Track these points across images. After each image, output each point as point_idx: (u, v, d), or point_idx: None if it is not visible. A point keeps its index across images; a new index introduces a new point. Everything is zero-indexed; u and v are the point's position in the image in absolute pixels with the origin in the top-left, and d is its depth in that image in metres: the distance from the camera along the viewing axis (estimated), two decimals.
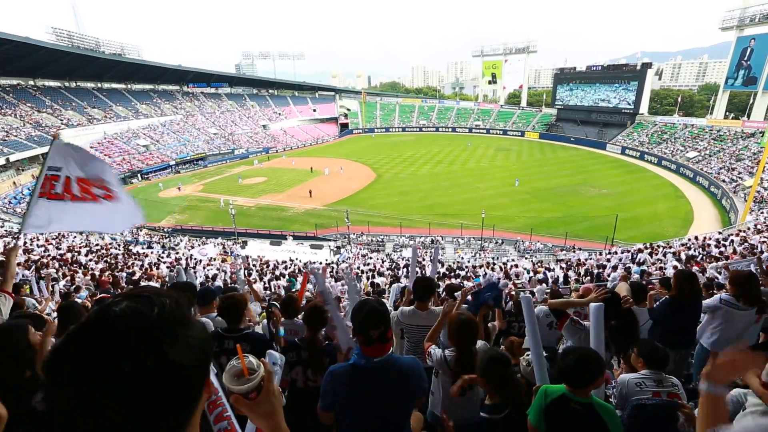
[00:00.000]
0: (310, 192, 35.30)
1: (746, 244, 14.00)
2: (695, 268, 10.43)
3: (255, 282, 12.33)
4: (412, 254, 5.68)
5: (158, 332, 0.61)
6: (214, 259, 19.33)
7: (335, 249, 25.06)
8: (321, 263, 19.01)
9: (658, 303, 4.15)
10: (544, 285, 10.81)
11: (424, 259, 18.19)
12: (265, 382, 1.02)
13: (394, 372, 1.94)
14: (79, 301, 6.53)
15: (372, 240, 26.67)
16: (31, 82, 48.69)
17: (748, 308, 3.57)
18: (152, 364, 0.58)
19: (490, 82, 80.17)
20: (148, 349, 0.59)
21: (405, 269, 17.29)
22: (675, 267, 10.69)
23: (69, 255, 15.48)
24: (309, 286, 8.36)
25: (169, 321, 0.63)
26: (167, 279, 11.36)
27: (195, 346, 0.65)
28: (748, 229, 18.40)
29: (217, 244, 23.85)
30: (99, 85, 56.18)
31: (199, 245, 23.12)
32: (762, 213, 23.85)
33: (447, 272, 15.53)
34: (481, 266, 17.06)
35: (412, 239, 25.63)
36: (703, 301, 3.89)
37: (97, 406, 0.55)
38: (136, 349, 0.58)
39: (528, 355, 2.92)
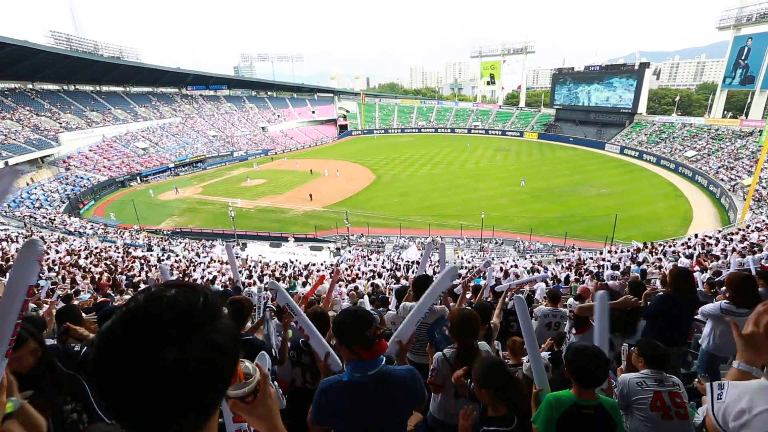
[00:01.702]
0: (311, 195, 35.20)
1: (746, 242, 14.02)
2: (696, 268, 10.45)
3: (255, 284, 12.31)
4: (427, 251, 5.65)
5: (205, 321, 0.67)
6: (215, 261, 19.30)
7: (335, 250, 25.05)
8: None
9: (651, 300, 4.16)
10: (543, 284, 10.82)
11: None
12: (261, 386, 1.04)
13: (390, 385, 1.88)
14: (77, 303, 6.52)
15: (372, 241, 26.66)
16: (30, 86, 48.65)
17: (749, 311, 3.53)
18: (200, 347, 0.63)
19: (488, 83, 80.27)
20: (198, 335, 0.64)
21: (405, 269, 17.29)
22: (674, 266, 10.69)
23: (68, 258, 15.46)
24: (321, 287, 8.36)
25: (212, 311, 0.69)
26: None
27: (230, 332, 0.72)
28: (747, 227, 18.42)
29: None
30: (97, 88, 56.16)
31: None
32: (761, 211, 23.90)
33: None
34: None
35: (412, 240, 25.62)
36: (703, 308, 3.89)
37: (149, 387, 0.59)
38: (189, 335, 0.63)
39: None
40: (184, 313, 0.65)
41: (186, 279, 13.69)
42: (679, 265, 11.03)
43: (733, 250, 12.72)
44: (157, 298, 0.65)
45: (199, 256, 20.49)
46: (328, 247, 25.76)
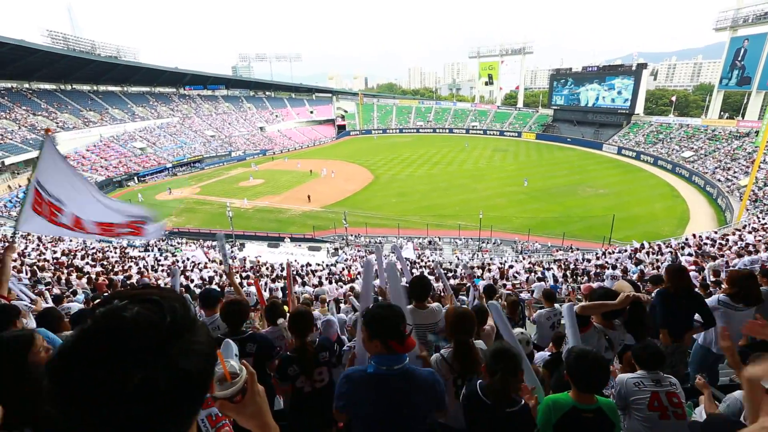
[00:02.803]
0: (309, 197, 35.01)
1: (742, 242, 14.07)
2: (692, 267, 10.47)
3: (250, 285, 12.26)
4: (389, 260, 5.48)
5: (171, 342, 0.60)
6: (213, 261, 19.23)
7: (333, 251, 25.02)
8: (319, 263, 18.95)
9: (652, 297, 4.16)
10: (542, 283, 10.84)
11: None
12: (248, 384, 1.03)
13: (412, 383, 1.92)
14: (76, 305, 6.48)
15: (370, 241, 26.64)
16: (26, 85, 48.44)
17: (747, 308, 3.55)
18: (164, 375, 0.57)
19: (486, 83, 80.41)
20: (161, 359, 0.58)
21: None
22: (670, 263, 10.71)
23: (64, 258, 15.38)
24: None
25: (180, 329, 0.63)
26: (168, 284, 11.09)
27: (203, 352, 0.65)
28: (744, 227, 18.50)
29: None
30: (95, 87, 55.96)
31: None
32: (757, 211, 24.01)
33: (445, 273, 15.52)
34: (479, 267, 17.08)
35: (410, 240, 25.63)
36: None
37: (104, 414, 0.54)
38: (149, 359, 0.57)
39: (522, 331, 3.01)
40: (148, 336, 0.58)
41: (186, 278, 13.63)
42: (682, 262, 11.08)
43: (740, 248, 12.77)
44: (118, 316, 0.59)
45: (195, 256, 20.39)
46: (327, 247, 25.72)
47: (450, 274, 15.10)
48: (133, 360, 0.56)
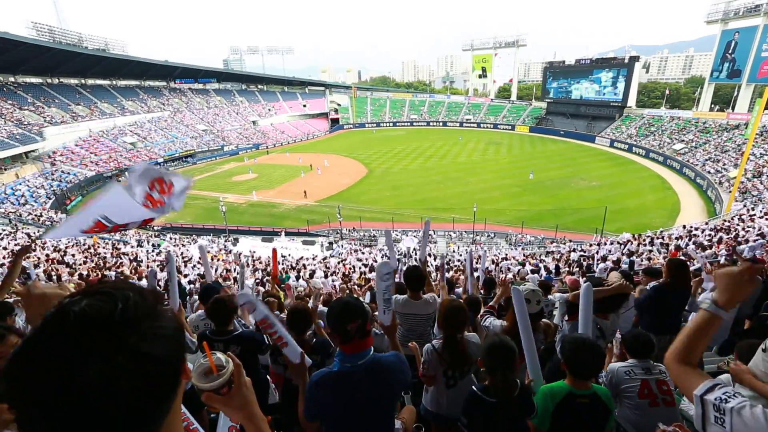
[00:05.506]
0: (305, 192, 34.70)
1: (731, 234, 14.31)
2: (682, 257, 10.62)
3: (248, 279, 12.22)
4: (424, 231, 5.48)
5: (126, 327, 0.59)
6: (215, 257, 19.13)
7: (327, 244, 25.00)
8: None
9: (646, 290, 4.20)
10: (536, 275, 10.94)
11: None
12: (235, 376, 1.03)
13: (380, 372, 1.88)
14: None
15: (364, 235, 26.66)
16: (12, 79, 47.33)
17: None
18: (126, 363, 0.56)
19: (480, 76, 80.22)
20: (119, 347, 0.56)
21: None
22: (665, 258, 10.87)
23: (56, 255, 15.19)
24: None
25: (136, 314, 0.61)
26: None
27: (167, 335, 0.64)
28: (732, 219, 18.79)
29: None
30: (83, 81, 54.86)
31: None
32: (746, 203, 24.38)
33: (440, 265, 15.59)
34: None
35: (405, 234, 25.63)
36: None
37: (71, 415, 0.53)
38: (104, 350, 0.55)
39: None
40: (99, 325, 0.57)
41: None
42: (690, 249, 11.27)
43: (720, 240, 12.97)
44: (66, 312, 0.57)
45: (189, 251, 20.28)
46: (321, 242, 25.69)
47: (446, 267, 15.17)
48: (85, 353, 0.54)
